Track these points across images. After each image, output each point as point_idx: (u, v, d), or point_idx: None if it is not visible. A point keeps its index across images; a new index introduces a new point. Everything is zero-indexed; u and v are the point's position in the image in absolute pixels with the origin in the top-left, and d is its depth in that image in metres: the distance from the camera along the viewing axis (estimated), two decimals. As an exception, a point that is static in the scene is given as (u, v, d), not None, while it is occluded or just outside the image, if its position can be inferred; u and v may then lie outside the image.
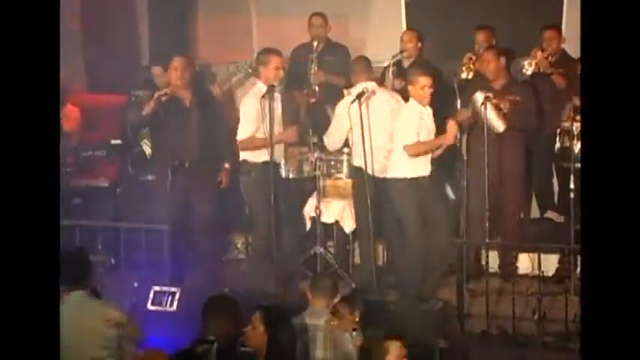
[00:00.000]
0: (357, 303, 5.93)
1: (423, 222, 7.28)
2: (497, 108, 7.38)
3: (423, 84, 7.18)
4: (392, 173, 7.30)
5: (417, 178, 7.23)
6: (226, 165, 7.74)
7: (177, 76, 7.56)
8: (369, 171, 7.30)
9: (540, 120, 7.84)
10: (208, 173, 7.71)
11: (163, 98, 7.38)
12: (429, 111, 7.28)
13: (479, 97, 7.36)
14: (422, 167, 7.26)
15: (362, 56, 7.92)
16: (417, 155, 7.18)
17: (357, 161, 7.44)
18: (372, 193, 7.29)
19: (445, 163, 7.58)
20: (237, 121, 7.63)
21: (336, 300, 5.97)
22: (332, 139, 7.67)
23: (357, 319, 5.81)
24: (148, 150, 8.56)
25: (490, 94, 7.38)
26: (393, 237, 7.58)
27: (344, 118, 7.38)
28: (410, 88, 7.31)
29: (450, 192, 7.93)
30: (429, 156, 7.29)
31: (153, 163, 8.08)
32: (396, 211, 7.31)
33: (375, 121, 7.37)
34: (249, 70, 8.40)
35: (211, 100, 7.97)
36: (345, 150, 7.70)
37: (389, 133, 7.35)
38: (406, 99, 7.41)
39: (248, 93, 7.70)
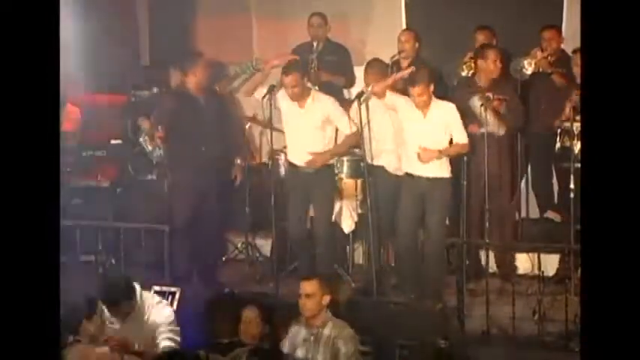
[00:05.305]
0: None
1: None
2: (496, 112, 7.39)
3: (416, 92, 7.14)
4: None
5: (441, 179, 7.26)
6: (238, 161, 7.74)
7: (199, 79, 7.56)
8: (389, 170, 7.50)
9: (529, 119, 7.85)
10: (222, 171, 7.72)
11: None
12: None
13: (476, 102, 7.39)
14: (443, 168, 7.27)
15: (375, 59, 7.85)
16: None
17: (377, 161, 7.50)
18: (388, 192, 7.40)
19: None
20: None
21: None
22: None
23: None
24: (148, 148, 8.54)
25: (490, 94, 7.40)
26: (400, 237, 7.62)
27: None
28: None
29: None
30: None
31: (165, 164, 7.99)
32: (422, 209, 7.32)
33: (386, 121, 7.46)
34: (254, 73, 8.41)
35: (221, 98, 7.97)
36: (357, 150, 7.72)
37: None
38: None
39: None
